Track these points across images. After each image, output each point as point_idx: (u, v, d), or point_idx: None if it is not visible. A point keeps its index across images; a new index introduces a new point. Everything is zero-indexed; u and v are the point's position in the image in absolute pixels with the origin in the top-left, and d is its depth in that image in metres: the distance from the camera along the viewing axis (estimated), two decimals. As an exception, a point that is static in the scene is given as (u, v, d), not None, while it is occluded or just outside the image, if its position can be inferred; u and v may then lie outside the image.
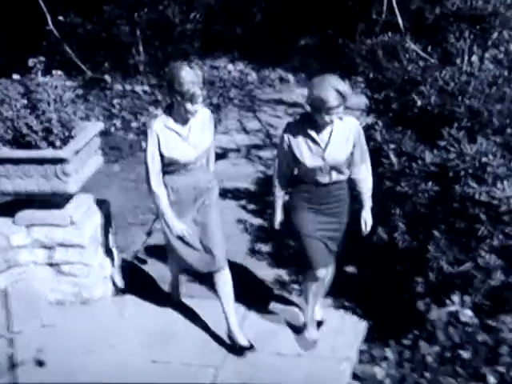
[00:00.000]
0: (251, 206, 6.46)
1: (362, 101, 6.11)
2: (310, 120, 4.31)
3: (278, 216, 4.64)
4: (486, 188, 4.48)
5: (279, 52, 9.45)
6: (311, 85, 4.23)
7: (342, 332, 4.90)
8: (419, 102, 4.81)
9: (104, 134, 7.72)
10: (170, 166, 4.44)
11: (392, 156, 4.77)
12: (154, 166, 4.41)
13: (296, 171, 4.47)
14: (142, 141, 7.82)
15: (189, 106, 4.28)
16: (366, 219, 4.59)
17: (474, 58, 5.11)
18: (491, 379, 4.55)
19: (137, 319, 5.00)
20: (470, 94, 4.74)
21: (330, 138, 4.32)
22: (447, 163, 4.57)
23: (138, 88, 8.76)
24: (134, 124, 8.10)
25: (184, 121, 4.40)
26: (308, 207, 4.48)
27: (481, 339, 4.70)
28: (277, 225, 4.67)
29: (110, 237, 5.34)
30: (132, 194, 6.86)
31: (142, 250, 5.93)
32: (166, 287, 5.28)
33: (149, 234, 6.18)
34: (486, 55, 5.13)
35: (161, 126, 4.39)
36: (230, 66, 9.51)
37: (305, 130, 4.32)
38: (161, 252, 5.77)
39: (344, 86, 4.15)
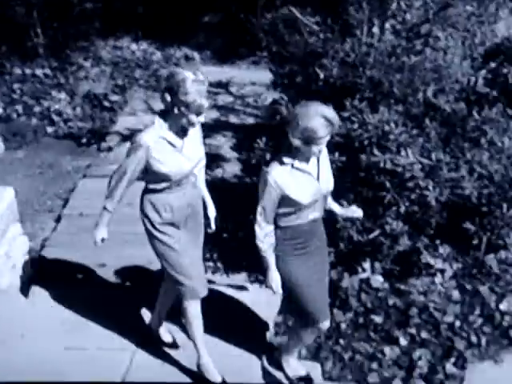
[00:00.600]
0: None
1: (267, 76, 6.14)
2: (294, 153, 3.83)
3: (276, 275, 4.00)
4: (390, 156, 4.59)
5: (183, 30, 9.36)
6: (294, 116, 3.75)
7: (258, 305, 4.94)
8: (322, 75, 4.85)
9: (5, 120, 7.50)
10: (161, 183, 4.03)
11: (298, 129, 4.80)
12: (128, 179, 3.98)
13: (284, 215, 3.92)
14: (47, 126, 7.62)
15: (193, 117, 3.89)
16: (352, 209, 4.24)
17: (374, 29, 5.19)
18: (402, 341, 4.70)
19: (46, 308, 4.89)
20: (370, 64, 4.81)
21: (318, 165, 3.93)
22: (352, 133, 4.65)
23: (39, 71, 8.49)
24: (36, 109, 7.86)
25: (180, 131, 3.98)
26: (296, 254, 3.99)
27: (392, 303, 4.85)
28: (277, 288, 4.02)
29: (17, 225, 5.19)
30: (38, 181, 6.68)
31: (51, 238, 5.79)
32: (75, 274, 5.19)
33: (58, 220, 6.04)
34: (386, 25, 5.22)
35: (154, 138, 3.92)
36: (134, 46, 9.36)
37: (291, 165, 3.84)
38: (70, 239, 5.67)
39: (330, 112, 3.74)
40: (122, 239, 5.46)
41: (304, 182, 3.87)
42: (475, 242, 4.96)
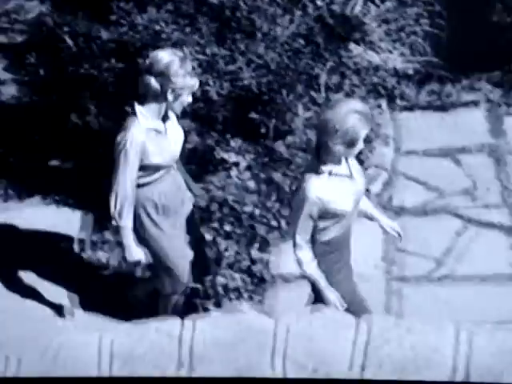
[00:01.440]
0: None
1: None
2: (328, 157, 3.50)
3: (333, 294, 3.64)
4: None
5: None
6: (327, 122, 3.40)
7: (57, 227, 4.86)
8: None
9: None
10: (153, 174, 3.83)
11: (68, 39, 4.65)
12: (132, 191, 3.75)
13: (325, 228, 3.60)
14: None
15: (185, 98, 3.73)
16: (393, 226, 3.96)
17: None
18: (208, 237, 4.82)
19: None
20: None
21: (348, 165, 3.61)
22: (123, 37, 4.56)
23: None
24: None
25: (159, 113, 3.78)
26: (334, 269, 3.69)
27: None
28: (342, 304, 3.64)
29: None
30: None
31: None
32: None
33: None
34: None
35: (143, 131, 3.71)
36: None
37: (327, 173, 3.51)
38: None
39: (359, 104, 3.47)
40: None
41: (343, 187, 3.56)
42: (263, 130, 5.11)
